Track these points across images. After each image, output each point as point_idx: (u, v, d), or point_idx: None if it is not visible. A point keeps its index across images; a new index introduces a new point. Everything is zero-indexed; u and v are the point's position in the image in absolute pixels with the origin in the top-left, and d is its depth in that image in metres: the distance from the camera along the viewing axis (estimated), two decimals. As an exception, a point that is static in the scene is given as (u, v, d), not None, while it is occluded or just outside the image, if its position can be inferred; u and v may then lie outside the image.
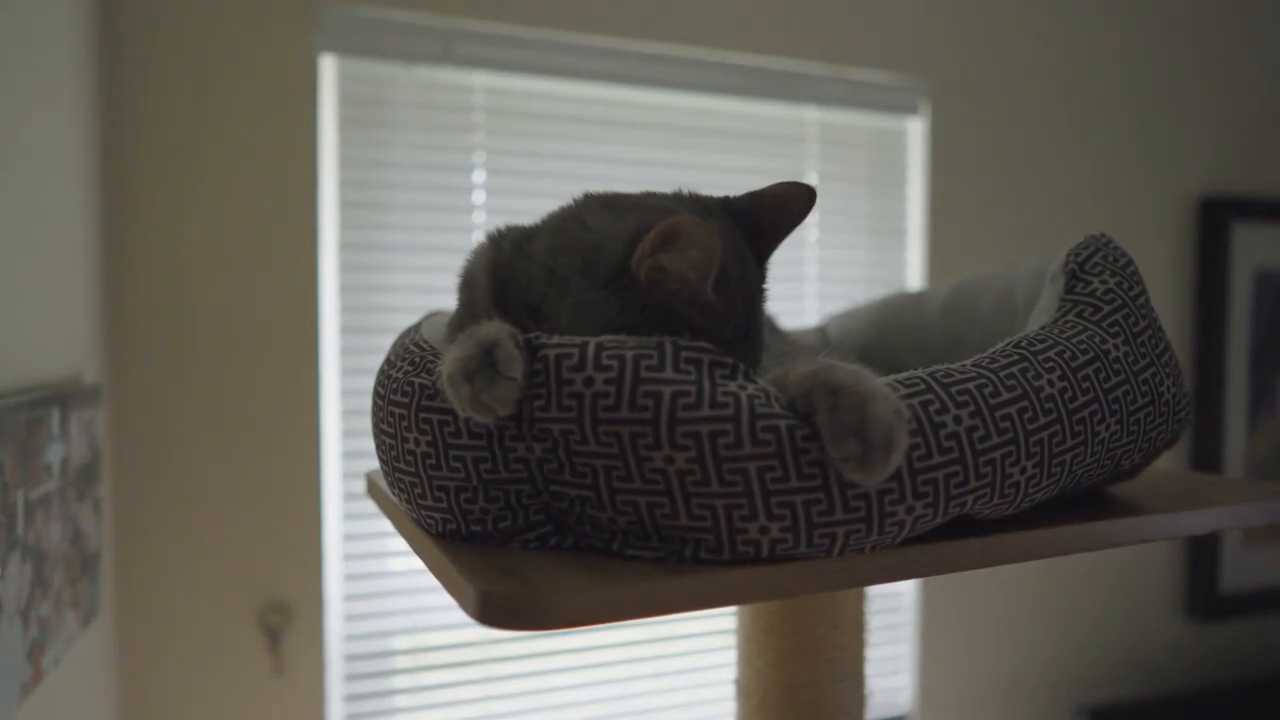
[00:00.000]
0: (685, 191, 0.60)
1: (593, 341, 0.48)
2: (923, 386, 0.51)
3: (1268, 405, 2.11)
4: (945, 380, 0.51)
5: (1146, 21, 1.99)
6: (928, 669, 1.82)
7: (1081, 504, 0.62)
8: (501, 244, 0.60)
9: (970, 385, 0.51)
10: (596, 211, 0.56)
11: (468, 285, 0.61)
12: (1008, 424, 0.51)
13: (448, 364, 0.48)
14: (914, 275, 1.81)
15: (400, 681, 1.47)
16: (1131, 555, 2.03)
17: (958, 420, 0.50)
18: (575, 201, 0.59)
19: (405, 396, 0.52)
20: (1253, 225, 2.06)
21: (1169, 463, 2.04)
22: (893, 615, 1.80)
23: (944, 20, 1.80)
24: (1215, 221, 2.03)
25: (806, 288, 1.73)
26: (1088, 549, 0.59)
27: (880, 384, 0.47)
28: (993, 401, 0.51)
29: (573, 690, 1.56)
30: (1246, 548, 2.09)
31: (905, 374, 0.52)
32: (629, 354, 0.47)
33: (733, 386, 0.47)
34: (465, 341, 0.48)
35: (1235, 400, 2.07)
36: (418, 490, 0.53)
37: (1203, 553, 2.05)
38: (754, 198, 0.60)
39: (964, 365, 0.54)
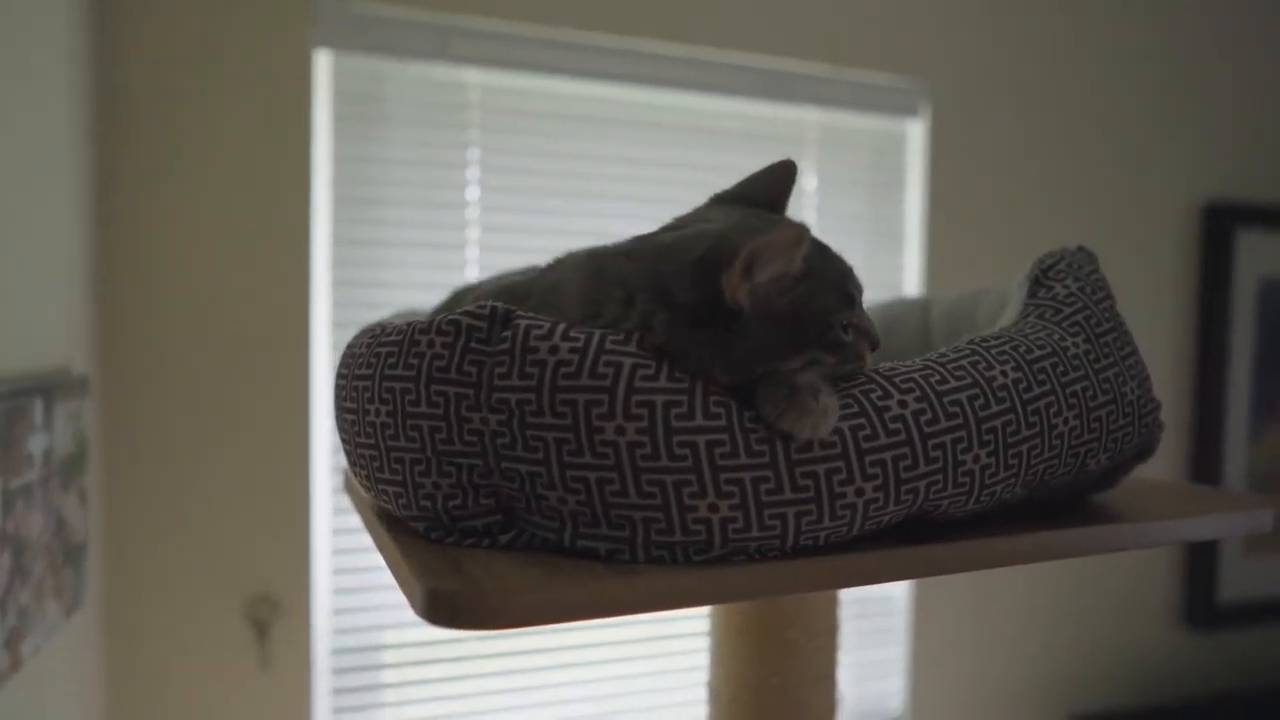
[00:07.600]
0: (672, 220, 0.59)
1: (564, 322, 0.50)
2: (864, 379, 0.53)
3: (1271, 415, 2.09)
4: (889, 373, 0.54)
5: (1150, 25, 1.97)
6: (920, 673, 1.82)
7: (1053, 512, 0.61)
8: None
9: (916, 375, 0.54)
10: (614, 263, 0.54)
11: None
12: (956, 409, 0.53)
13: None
14: (912, 278, 1.80)
15: (387, 675, 1.47)
16: (1129, 562, 2.01)
17: (903, 405, 0.52)
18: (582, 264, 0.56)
19: (369, 368, 0.53)
20: (1257, 232, 2.04)
21: (1166, 472, 2.02)
22: (885, 619, 1.79)
23: (945, 22, 1.79)
24: (1219, 228, 2.01)
25: (802, 289, 1.72)
26: (1051, 557, 0.58)
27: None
28: (940, 389, 0.53)
29: (557, 687, 1.56)
30: (1245, 557, 2.08)
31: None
32: (597, 333, 0.50)
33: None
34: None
35: (1237, 409, 2.05)
36: (376, 464, 0.53)
37: (1201, 561, 2.04)
38: (746, 183, 0.62)
39: (913, 361, 0.55)
